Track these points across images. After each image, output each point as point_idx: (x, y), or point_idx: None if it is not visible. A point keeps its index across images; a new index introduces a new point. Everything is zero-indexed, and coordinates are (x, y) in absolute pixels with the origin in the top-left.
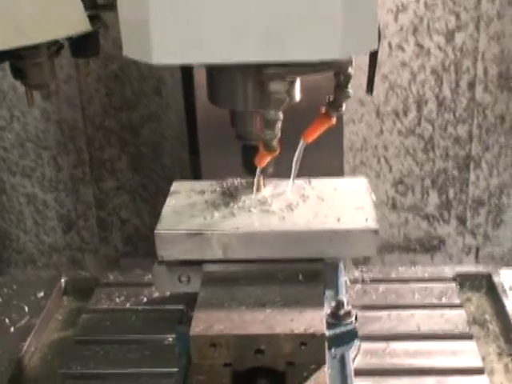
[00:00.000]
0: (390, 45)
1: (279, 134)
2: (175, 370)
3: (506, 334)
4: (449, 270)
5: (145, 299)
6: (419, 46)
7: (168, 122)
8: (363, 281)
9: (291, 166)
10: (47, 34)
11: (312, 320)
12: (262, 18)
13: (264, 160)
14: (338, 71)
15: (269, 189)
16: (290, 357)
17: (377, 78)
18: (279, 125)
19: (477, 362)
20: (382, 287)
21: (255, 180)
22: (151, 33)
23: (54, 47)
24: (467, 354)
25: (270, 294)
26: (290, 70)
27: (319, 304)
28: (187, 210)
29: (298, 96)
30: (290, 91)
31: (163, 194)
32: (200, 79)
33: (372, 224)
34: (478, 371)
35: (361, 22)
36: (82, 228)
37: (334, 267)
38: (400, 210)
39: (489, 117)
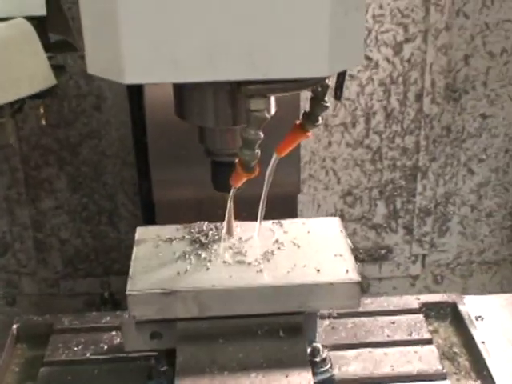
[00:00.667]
0: None
1: (259, 155)
2: None
3: (477, 369)
4: (413, 300)
5: (105, 347)
6: (367, 58)
7: (109, 139)
8: (330, 315)
9: (262, 181)
10: (11, 94)
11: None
12: (246, 34)
13: (240, 181)
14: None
15: (237, 231)
16: None
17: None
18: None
19: None
20: (350, 322)
21: (227, 211)
22: (123, 51)
23: (17, 104)
24: None
25: (252, 354)
26: (271, 87)
27: (304, 364)
28: (157, 264)
29: (273, 110)
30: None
31: (104, 213)
32: (151, 95)
33: (354, 276)
34: None
35: (348, 37)
36: (18, 250)
37: (313, 317)
38: (348, 220)
39: (436, 128)
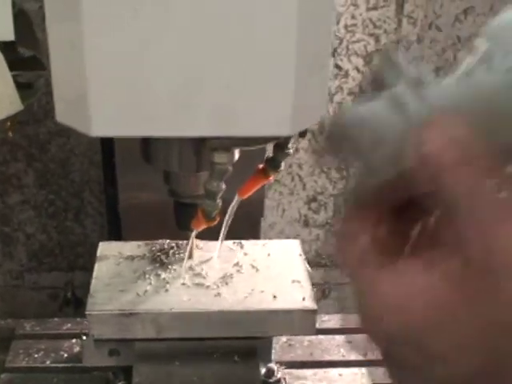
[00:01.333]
0: None
1: (220, 204)
2: None
3: None
4: None
5: (65, 355)
6: (338, 67)
7: (77, 137)
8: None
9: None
10: None
11: None
12: (211, 94)
13: (201, 226)
14: None
15: (198, 252)
16: None
17: None
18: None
19: None
20: (306, 340)
21: (188, 246)
22: (90, 105)
23: None
24: None
25: (207, 378)
26: (234, 142)
27: None
28: (117, 283)
29: (236, 156)
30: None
31: (71, 209)
32: None
33: (310, 304)
34: None
35: (312, 96)
36: None
37: (269, 340)
38: (312, 226)
39: None
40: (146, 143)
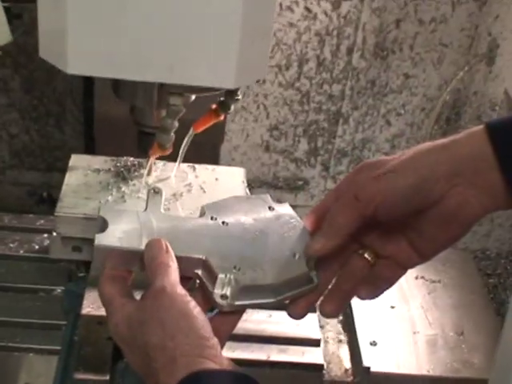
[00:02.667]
0: (280, 5)
1: (173, 139)
2: (64, 322)
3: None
4: None
5: (37, 247)
6: (307, 9)
7: None
8: None
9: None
10: None
11: None
12: (167, 46)
13: (156, 154)
14: None
15: (157, 171)
16: None
17: None
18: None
19: (316, 335)
20: None
21: (147, 166)
22: (68, 43)
23: None
24: (309, 325)
25: None
26: (187, 88)
27: None
28: (84, 191)
29: (192, 97)
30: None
31: (53, 116)
32: None
33: None
34: (316, 343)
35: (255, 58)
36: None
37: None
38: (272, 152)
39: (361, 80)
40: (116, 80)
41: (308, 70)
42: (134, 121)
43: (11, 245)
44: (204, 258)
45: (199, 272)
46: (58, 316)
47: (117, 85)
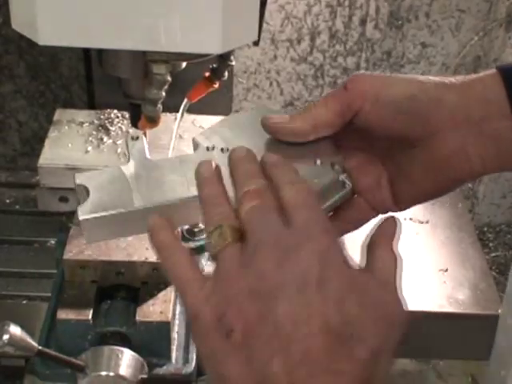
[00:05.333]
0: None
1: (161, 110)
2: (55, 271)
3: None
4: None
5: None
6: None
7: None
8: None
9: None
10: None
11: None
12: (148, 11)
13: (146, 128)
14: None
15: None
16: (145, 278)
17: (274, 8)
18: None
19: None
20: None
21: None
22: (38, 14)
23: None
24: None
25: None
26: (172, 56)
27: None
28: (66, 143)
29: (183, 66)
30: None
31: (59, 101)
32: None
33: None
34: None
35: (242, 17)
36: None
37: None
38: None
39: (376, 52)
40: (100, 52)
41: (320, 43)
42: (123, 93)
43: (7, 200)
44: None
45: None
46: (50, 266)
47: (100, 56)
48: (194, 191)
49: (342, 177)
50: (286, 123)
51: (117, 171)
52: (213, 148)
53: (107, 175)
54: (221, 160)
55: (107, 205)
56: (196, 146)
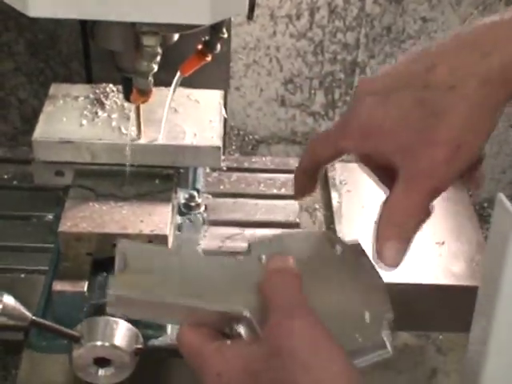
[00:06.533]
0: None
1: (152, 83)
2: (53, 245)
3: (328, 223)
4: (293, 162)
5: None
6: None
7: None
8: (220, 169)
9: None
10: None
11: (159, 222)
12: None
13: (138, 101)
14: None
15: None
16: None
17: None
18: (151, 74)
19: None
20: (235, 176)
21: (135, 117)
22: None
23: None
24: None
25: (128, 194)
26: (162, 27)
27: (167, 207)
28: (61, 117)
29: (175, 38)
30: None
31: (59, 78)
32: None
33: (216, 141)
34: None
35: None
36: None
37: (186, 170)
38: (288, 106)
39: (376, 27)
40: (92, 25)
41: (320, 18)
42: (116, 66)
43: (5, 176)
44: (247, 314)
45: (241, 330)
46: (48, 240)
47: (92, 28)
48: (230, 305)
49: (386, 338)
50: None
51: (162, 253)
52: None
53: (151, 253)
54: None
55: (140, 287)
56: (248, 251)
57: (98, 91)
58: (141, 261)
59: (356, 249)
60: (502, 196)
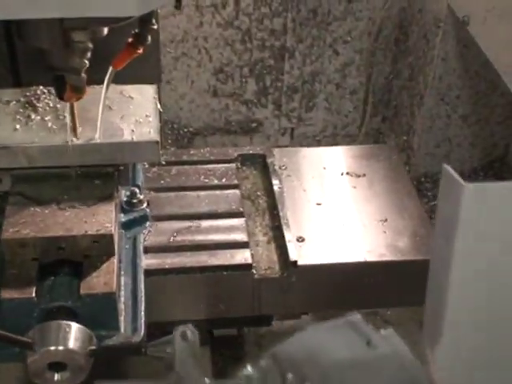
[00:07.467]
0: None
1: (85, 79)
2: None
3: (271, 209)
4: (232, 152)
5: None
6: None
7: None
8: (159, 164)
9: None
10: None
11: (103, 222)
12: None
13: (72, 99)
14: None
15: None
16: (86, 251)
17: None
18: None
19: (243, 238)
20: (174, 169)
21: (69, 115)
22: None
23: None
24: (237, 230)
25: (69, 196)
26: (90, 21)
27: (110, 206)
28: None
29: (105, 32)
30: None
31: None
32: None
33: (155, 136)
34: (244, 245)
35: None
36: None
37: (126, 167)
38: (221, 96)
39: (302, 11)
40: (18, 24)
41: (245, 6)
42: (47, 65)
43: None
44: None
45: None
46: None
47: (19, 28)
48: None
49: None
50: None
51: None
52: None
53: None
54: None
55: None
56: (270, 364)
57: (28, 94)
58: None
59: (390, 339)
60: (447, 167)
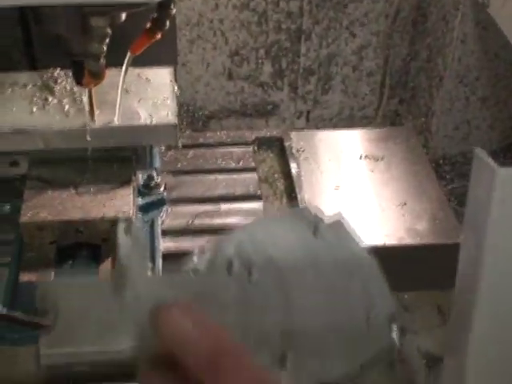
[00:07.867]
0: None
1: (104, 64)
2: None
3: (288, 192)
4: (249, 134)
5: None
6: None
7: None
8: (176, 147)
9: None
10: None
11: (122, 206)
12: None
13: (90, 85)
14: None
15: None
16: (104, 235)
17: None
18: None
19: None
20: (191, 153)
21: (87, 99)
22: None
23: None
24: (255, 213)
25: (87, 180)
26: (109, 7)
27: (128, 190)
28: (11, 106)
29: (122, 17)
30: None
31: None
32: None
33: (172, 119)
34: None
35: None
36: None
37: (144, 150)
38: (236, 79)
39: None
40: (36, 11)
41: None
42: (64, 51)
43: None
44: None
45: None
46: (7, 231)
47: (37, 15)
48: None
49: (395, 337)
50: None
51: (97, 290)
52: (231, 265)
53: (84, 294)
54: (244, 289)
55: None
56: (214, 257)
57: (45, 77)
58: (74, 306)
59: (338, 227)
60: (479, 150)
